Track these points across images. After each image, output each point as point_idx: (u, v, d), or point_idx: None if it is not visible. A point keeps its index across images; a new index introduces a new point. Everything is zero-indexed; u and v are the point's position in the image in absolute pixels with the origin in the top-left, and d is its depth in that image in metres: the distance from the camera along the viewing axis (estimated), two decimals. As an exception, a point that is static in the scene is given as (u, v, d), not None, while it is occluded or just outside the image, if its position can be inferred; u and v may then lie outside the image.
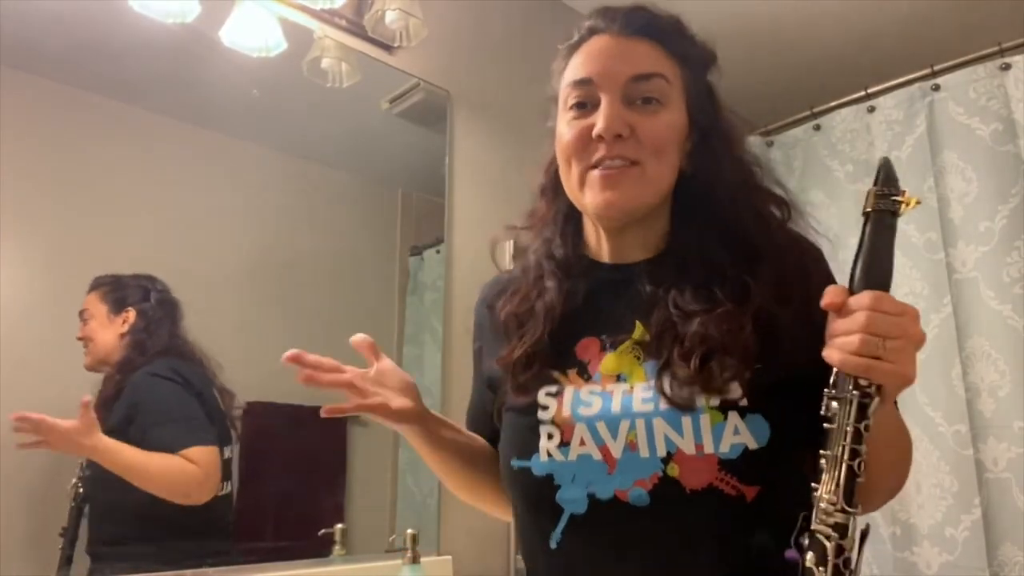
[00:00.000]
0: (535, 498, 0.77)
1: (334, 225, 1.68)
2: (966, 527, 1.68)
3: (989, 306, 1.75)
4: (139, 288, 1.33)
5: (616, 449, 0.73)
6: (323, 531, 1.50)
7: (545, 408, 0.77)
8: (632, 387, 0.75)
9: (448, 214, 1.87)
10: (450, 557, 1.68)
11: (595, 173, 0.78)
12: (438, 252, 1.85)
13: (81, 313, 1.27)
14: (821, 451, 0.64)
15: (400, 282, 1.78)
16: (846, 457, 0.62)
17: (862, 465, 0.62)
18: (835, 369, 0.64)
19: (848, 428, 0.62)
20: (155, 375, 1.32)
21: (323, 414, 0.80)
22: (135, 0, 1.39)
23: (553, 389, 0.78)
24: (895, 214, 0.66)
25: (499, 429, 0.85)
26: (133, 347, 1.30)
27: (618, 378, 0.77)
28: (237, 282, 1.49)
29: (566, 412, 0.76)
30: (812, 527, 0.63)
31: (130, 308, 1.31)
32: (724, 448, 0.70)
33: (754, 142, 2.26)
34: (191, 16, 1.46)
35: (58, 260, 1.27)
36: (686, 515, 0.70)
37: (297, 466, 1.52)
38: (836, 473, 0.62)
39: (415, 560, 1.43)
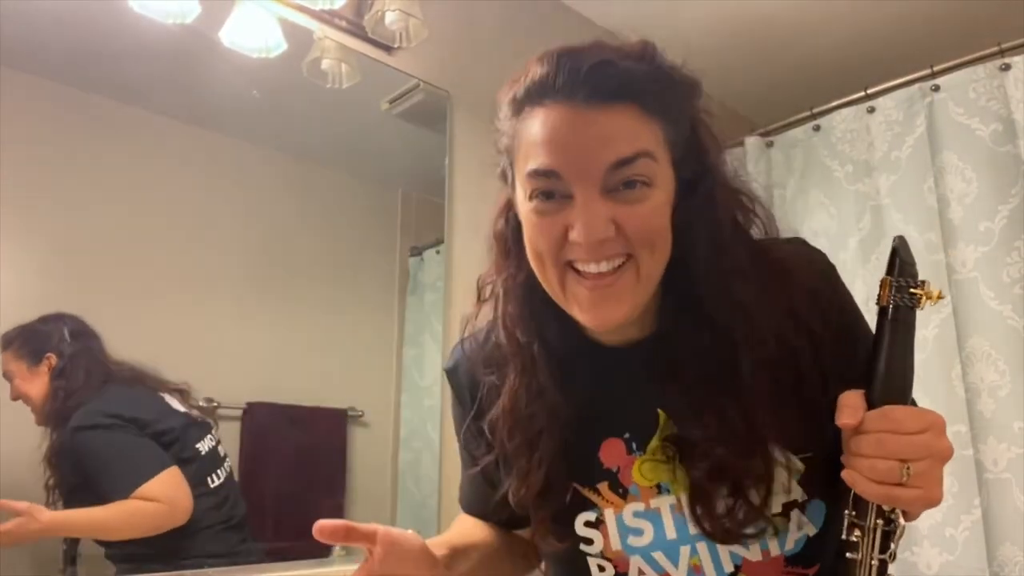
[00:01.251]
0: None
1: (334, 225, 1.68)
2: (966, 527, 1.68)
3: (989, 306, 1.74)
4: (50, 331, 1.26)
5: None
6: (323, 531, 1.50)
7: (590, 542, 0.70)
8: (679, 499, 0.68)
9: (448, 214, 1.87)
10: (450, 557, 1.68)
11: (581, 287, 0.64)
12: (438, 252, 1.85)
13: (4, 375, 1.20)
14: None
15: (400, 282, 1.78)
16: None
17: None
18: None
19: (873, 562, 0.59)
20: (77, 429, 1.24)
21: None
22: (135, 1, 1.39)
23: (591, 517, 0.70)
24: (914, 308, 0.59)
25: (506, 511, 0.76)
26: (63, 392, 1.24)
27: (659, 489, 0.69)
28: (237, 282, 1.49)
29: (615, 546, 0.70)
30: None
31: (49, 353, 1.24)
32: (790, 546, 0.67)
33: (754, 143, 2.26)
34: (191, 17, 1.46)
35: (58, 260, 1.27)
36: None
37: (297, 466, 1.52)
38: None
39: (415, 560, 1.43)
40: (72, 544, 1.21)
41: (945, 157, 1.87)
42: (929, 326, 1.80)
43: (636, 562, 0.69)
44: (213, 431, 1.39)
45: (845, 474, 0.59)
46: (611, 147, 0.61)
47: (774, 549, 0.67)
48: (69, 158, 1.30)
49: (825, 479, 0.66)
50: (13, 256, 1.21)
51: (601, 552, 0.70)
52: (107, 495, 1.23)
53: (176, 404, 1.36)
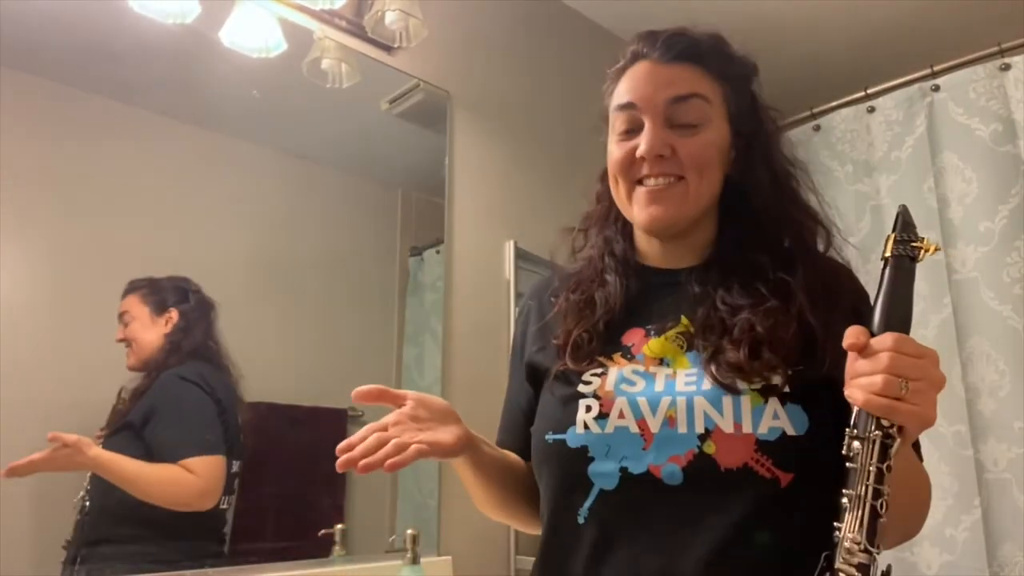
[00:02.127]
0: (567, 471, 0.78)
1: (334, 225, 1.68)
2: (966, 527, 1.68)
3: (989, 306, 1.75)
4: (177, 289, 1.35)
5: (654, 424, 0.74)
6: (323, 531, 1.50)
7: (588, 383, 0.80)
8: (675, 372, 0.78)
9: (448, 214, 1.87)
10: (450, 557, 1.68)
11: (641, 189, 0.83)
12: (438, 252, 1.85)
13: (121, 316, 1.29)
14: (844, 490, 0.64)
15: (400, 282, 1.78)
16: (869, 497, 0.62)
17: (884, 505, 0.62)
18: (856, 409, 0.64)
19: (871, 468, 0.63)
20: (182, 378, 1.33)
21: (386, 469, 0.74)
22: (135, 1, 1.39)
23: (598, 370, 0.81)
24: (914, 259, 0.68)
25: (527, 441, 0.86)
26: (171, 347, 1.32)
27: (661, 361, 0.79)
28: (237, 282, 1.49)
29: (608, 387, 0.78)
30: (836, 566, 0.63)
31: (172, 309, 1.34)
32: (763, 429, 0.71)
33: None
34: (191, 17, 1.46)
35: (58, 261, 1.27)
36: (718, 494, 0.71)
37: (297, 466, 1.52)
38: (859, 513, 0.62)
39: (415, 560, 1.43)
40: (77, 543, 1.21)
41: (945, 157, 1.87)
42: (929, 326, 1.80)
43: (620, 403, 0.77)
44: (242, 458, 1.40)
45: (848, 392, 0.64)
46: (673, 87, 0.81)
47: (746, 425, 0.71)
48: (69, 158, 1.30)
49: (808, 391, 0.74)
50: (12, 255, 1.21)
51: (594, 392, 0.79)
52: (159, 447, 1.27)
53: (237, 413, 1.40)
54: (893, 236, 0.69)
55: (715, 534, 0.70)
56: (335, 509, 1.55)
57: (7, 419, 1.16)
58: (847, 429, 0.65)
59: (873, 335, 0.65)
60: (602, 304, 0.86)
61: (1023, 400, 1.67)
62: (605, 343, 0.83)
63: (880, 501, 0.62)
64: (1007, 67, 1.81)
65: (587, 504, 0.75)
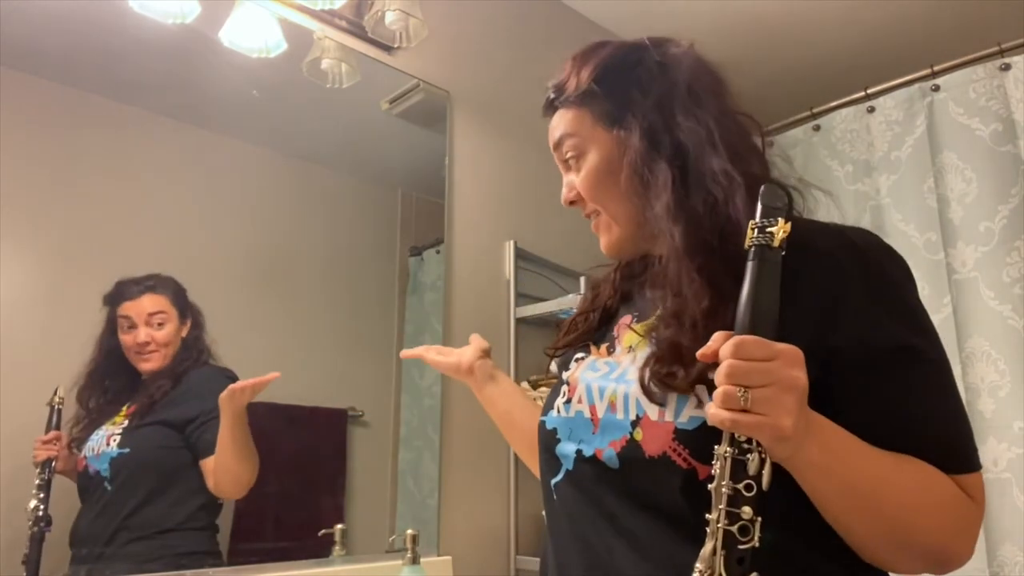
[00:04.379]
0: (544, 451, 0.84)
1: (334, 225, 1.68)
2: (966, 527, 1.68)
3: (989, 306, 1.75)
4: (183, 292, 1.36)
5: (600, 409, 0.78)
6: (323, 532, 1.50)
7: (568, 370, 0.87)
8: (636, 358, 0.79)
9: (448, 214, 1.87)
10: (450, 557, 1.68)
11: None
12: (438, 252, 1.85)
13: (153, 315, 1.30)
14: (706, 515, 0.60)
15: (400, 282, 1.78)
16: (723, 521, 0.58)
17: (750, 528, 0.58)
18: None
19: (724, 490, 0.58)
20: (226, 376, 1.37)
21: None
22: (135, 1, 1.40)
23: (581, 355, 0.87)
24: (772, 247, 0.62)
25: None
26: (185, 351, 1.34)
27: (630, 350, 0.82)
28: (236, 282, 1.49)
29: (577, 374, 0.84)
30: None
31: (189, 319, 1.36)
32: (683, 419, 0.69)
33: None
34: (191, 17, 1.46)
35: (58, 260, 1.27)
36: (644, 481, 0.72)
37: (297, 466, 1.52)
38: (713, 541, 0.58)
39: (415, 560, 1.43)
40: (34, 563, 1.16)
41: (945, 157, 1.87)
42: (929, 326, 1.80)
43: (581, 389, 0.82)
44: None
45: (706, 407, 0.62)
46: (551, 139, 0.90)
47: (668, 414, 0.70)
48: (69, 158, 1.30)
49: None
50: (13, 255, 1.21)
51: (567, 379, 0.85)
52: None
53: None
54: (752, 224, 0.63)
55: (641, 518, 0.72)
56: (335, 509, 1.55)
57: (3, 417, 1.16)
58: (715, 447, 0.61)
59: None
60: (596, 301, 0.93)
61: (1023, 400, 1.67)
62: (599, 332, 0.89)
63: (738, 525, 0.57)
64: (1007, 67, 1.81)
65: (554, 481, 0.81)
